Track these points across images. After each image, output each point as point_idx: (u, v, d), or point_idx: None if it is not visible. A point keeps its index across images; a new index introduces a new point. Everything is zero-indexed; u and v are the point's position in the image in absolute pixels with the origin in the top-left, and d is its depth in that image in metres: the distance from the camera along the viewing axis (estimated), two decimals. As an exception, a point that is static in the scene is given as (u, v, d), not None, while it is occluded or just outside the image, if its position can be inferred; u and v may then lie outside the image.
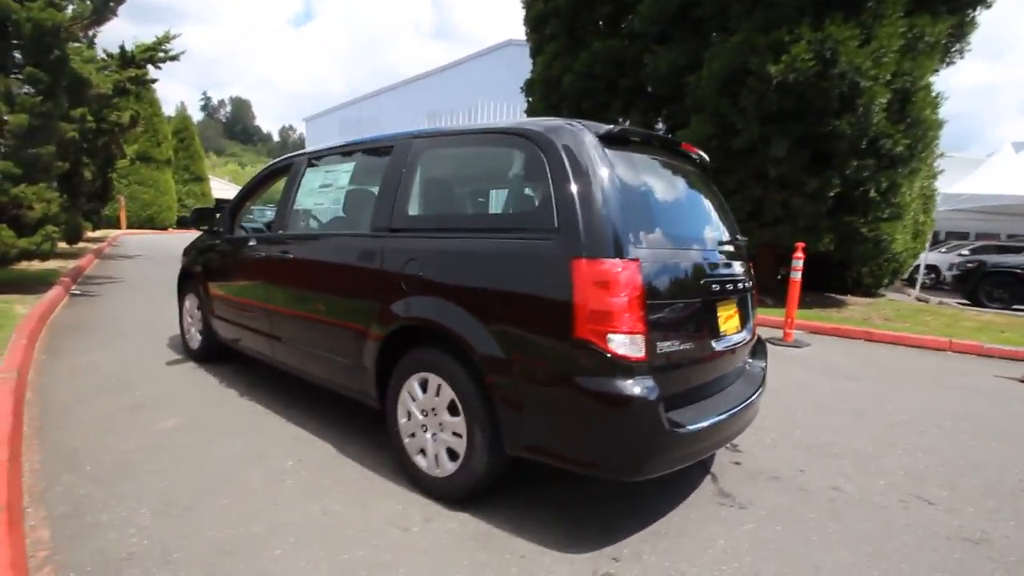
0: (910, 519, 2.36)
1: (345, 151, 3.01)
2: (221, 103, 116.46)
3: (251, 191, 3.82)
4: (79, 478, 2.35)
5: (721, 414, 2.08)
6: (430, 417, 2.32)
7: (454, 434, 2.22)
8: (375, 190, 2.72)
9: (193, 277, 4.23)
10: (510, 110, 18.65)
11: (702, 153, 2.63)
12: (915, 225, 9.85)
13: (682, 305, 2.03)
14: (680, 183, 2.40)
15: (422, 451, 2.37)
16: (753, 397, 2.36)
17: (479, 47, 20.00)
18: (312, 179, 3.15)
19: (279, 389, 3.65)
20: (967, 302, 10.60)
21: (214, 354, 4.18)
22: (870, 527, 2.28)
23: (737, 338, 2.36)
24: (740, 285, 2.38)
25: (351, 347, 2.64)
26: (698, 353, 2.09)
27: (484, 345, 2.04)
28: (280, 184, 3.83)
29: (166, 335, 5.06)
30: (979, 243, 15.86)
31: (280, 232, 3.19)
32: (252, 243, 3.47)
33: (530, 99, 10.97)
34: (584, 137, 2.00)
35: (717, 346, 2.19)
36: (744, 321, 2.47)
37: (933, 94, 7.08)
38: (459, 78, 20.59)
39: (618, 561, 1.95)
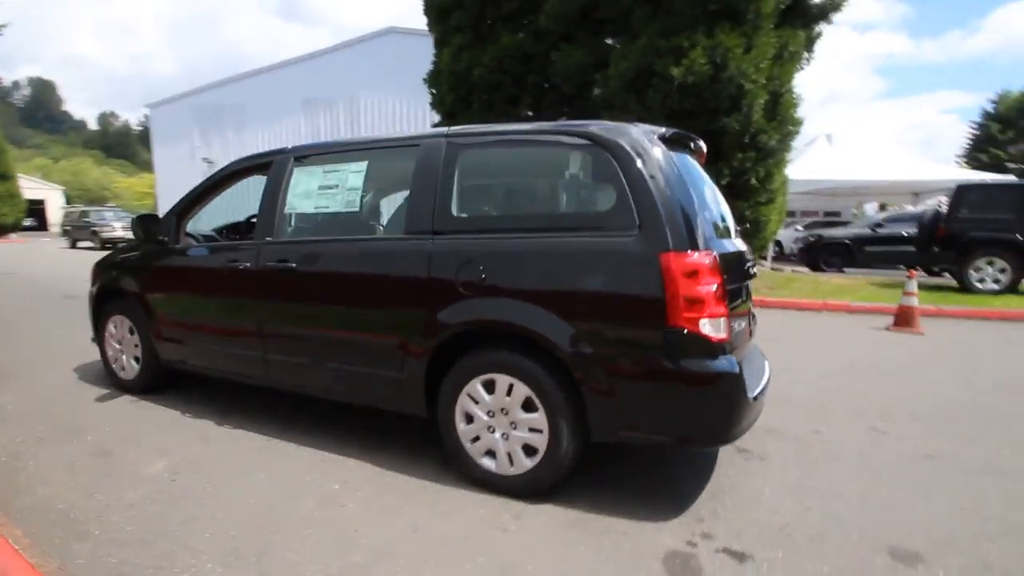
0: (881, 448, 2.92)
1: (349, 149, 2.81)
2: (16, 85, 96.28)
3: (205, 193, 3.35)
4: (97, 544, 1.97)
5: (763, 382, 2.40)
6: (498, 417, 2.33)
7: (531, 430, 2.26)
8: (402, 191, 2.61)
9: (123, 296, 3.61)
10: (399, 100, 18.11)
11: (704, 147, 2.91)
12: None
13: (738, 289, 2.29)
14: (704, 177, 2.66)
15: (489, 453, 2.37)
16: (768, 366, 2.72)
17: (340, 31, 19.05)
18: (304, 180, 2.88)
19: (259, 413, 3.30)
20: (809, 269, 12.75)
21: (158, 383, 3.63)
22: (859, 460, 2.78)
23: (751, 316, 2.71)
24: (754, 268, 2.72)
25: (386, 358, 2.52)
26: (746, 330, 2.37)
27: (569, 341, 2.11)
28: (236, 186, 3.45)
29: (66, 366, 4.25)
30: (808, 220, 19.05)
31: (269, 239, 2.88)
32: (226, 253, 3.08)
33: (434, 90, 10.78)
34: (650, 139, 2.15)
35: (751, 323, 2.50)
36: (750, 299, 2.83)
37: (794, 96, 8.38)
38: (337, 65, 19.39)
39: (703, 521, 2.17)
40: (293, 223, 2.95)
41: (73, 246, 20.96)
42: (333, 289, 2.68)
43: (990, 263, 7.96)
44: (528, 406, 2.25)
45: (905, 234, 10.92)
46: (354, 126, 18.92)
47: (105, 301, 3.77)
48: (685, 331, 1.98)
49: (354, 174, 2.72)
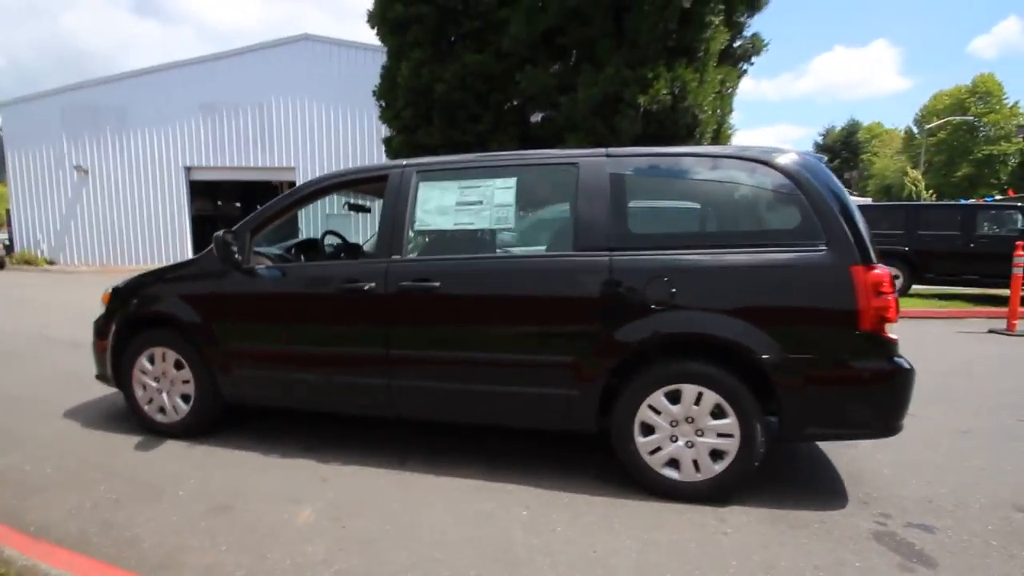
0: (928, 427, 3.43)
1: (486, 165, 2.75)
2: None
3: (287, 208, 3.02)
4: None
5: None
6: (682, 426, 2.42)
7: (719, 435, 2.38)
8: (555, 208, 2.62)
9: (168, 325, 3.11)
10: (316, 109, 17.14)
11: None
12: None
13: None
14: None
15: (672, 462, 2.44)
16: None
17: (209, 33, 17.69)
18: (435, 195, 2.75)
19: (351, 444, 3.03)
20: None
21: (211, 423, 3.17)
22: (923, 437, 3.26)
23: None
24: None
25: (555, 377, 2.50)
26: None
27: (767, 349, 2.27)
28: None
29: (49, 413, 3.52)
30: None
31: (397, 258, 2.70)
32: (337, 273, 2.82)
33: (383, 103, 10.50)
34: (820, 163, 2.42)
35: None
36: None
37: (731, 127, 9.48)
38: (242, 70, 17.83)
39: (869, 505, 2.43)
40: (426, 240, 2.79)
41: None
42: (490, 309, 2.59)
43: (886, 271, 9.55)
44: (717, 413, 2.37)
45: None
46: (266, 134, 17.52)
47: (132, 333, 3.21)
48: (873, 335, 2.25)
49: (501, 191, 2.67)
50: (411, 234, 2.75)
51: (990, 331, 6.74)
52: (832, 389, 2.30)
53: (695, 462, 2.42)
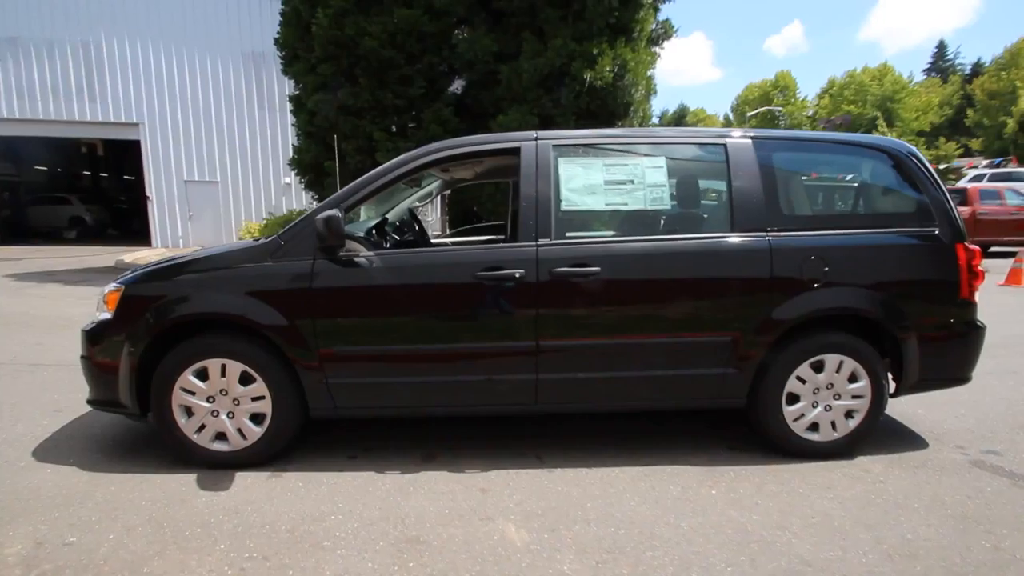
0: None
1: (634, 142, 2.63)
2: None
3: (391, 182, 2.53)
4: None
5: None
6: (822, 392, 2.65)
7: (853, 397, 2.66)
8: (714, 189, 2.62)
9: (233, 329, 2.48)
10: (173, 55, 14.27)
11: None
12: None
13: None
14: None
15: (813, 426, 2.67)
16: None
17: None
18: (580, 173, 2.54)
19: (457, 443, 2.78)
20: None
21: (286, 446, 2.64)
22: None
23: None
24: None
25: (714, 356, 2.56)
26: None
27: (896, 318, 2.59)
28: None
29: (21, 454, 2.63)
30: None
31: (546, 242, 2.46)
32: (469, 258, 2.48)
33: (287, 54, 9.15)
34: (920, 152, 2.76)
35: None
36: None
37: (650, 108, 10.11)
38: (57, -3, 13.98)
39: (942, 441, 2.93)
40: (575, 222, 2.57)
41: None
42: (652, 292, 2.52)
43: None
44: (853, 378, 2.64)
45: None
46: (95, 81, 14.07)
47: (166, 343, 2.48)
48: (967, 301, 2.68)
49: (652, 170, 2.58)
50: (559, 215, 2.52)
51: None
52: (940, 348, 2.70)
53: (833, 423, 2.68)
